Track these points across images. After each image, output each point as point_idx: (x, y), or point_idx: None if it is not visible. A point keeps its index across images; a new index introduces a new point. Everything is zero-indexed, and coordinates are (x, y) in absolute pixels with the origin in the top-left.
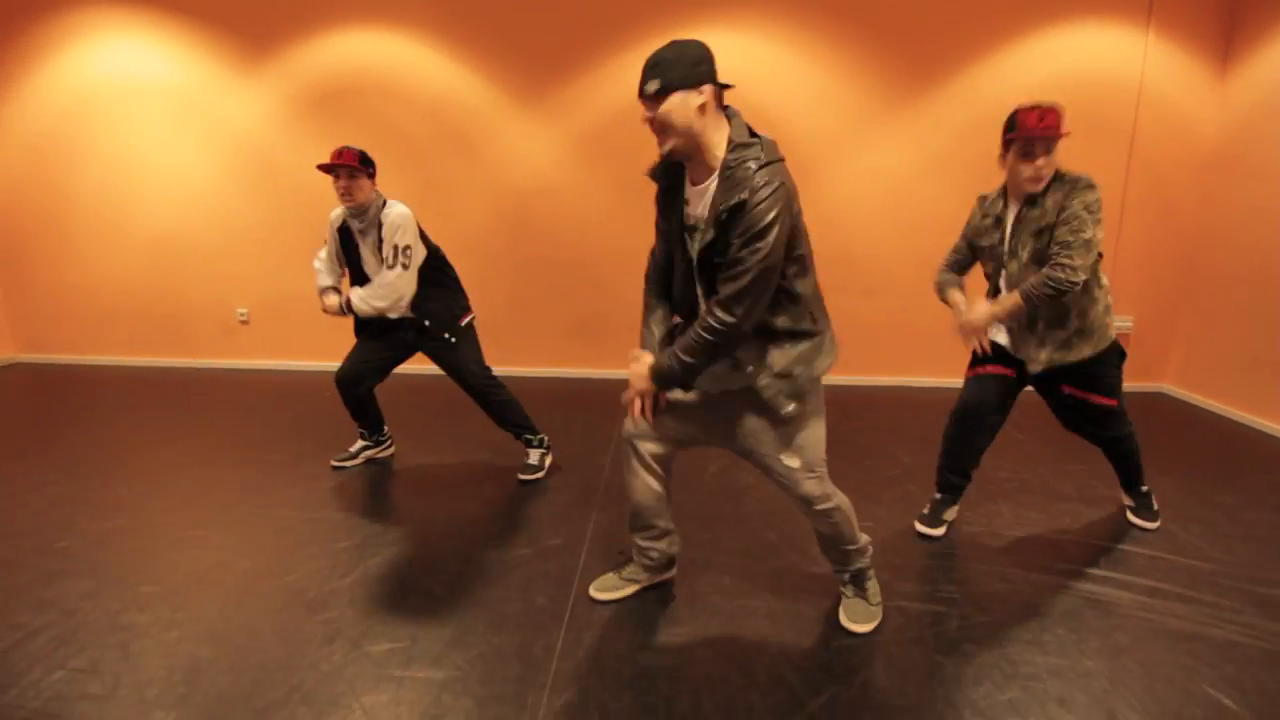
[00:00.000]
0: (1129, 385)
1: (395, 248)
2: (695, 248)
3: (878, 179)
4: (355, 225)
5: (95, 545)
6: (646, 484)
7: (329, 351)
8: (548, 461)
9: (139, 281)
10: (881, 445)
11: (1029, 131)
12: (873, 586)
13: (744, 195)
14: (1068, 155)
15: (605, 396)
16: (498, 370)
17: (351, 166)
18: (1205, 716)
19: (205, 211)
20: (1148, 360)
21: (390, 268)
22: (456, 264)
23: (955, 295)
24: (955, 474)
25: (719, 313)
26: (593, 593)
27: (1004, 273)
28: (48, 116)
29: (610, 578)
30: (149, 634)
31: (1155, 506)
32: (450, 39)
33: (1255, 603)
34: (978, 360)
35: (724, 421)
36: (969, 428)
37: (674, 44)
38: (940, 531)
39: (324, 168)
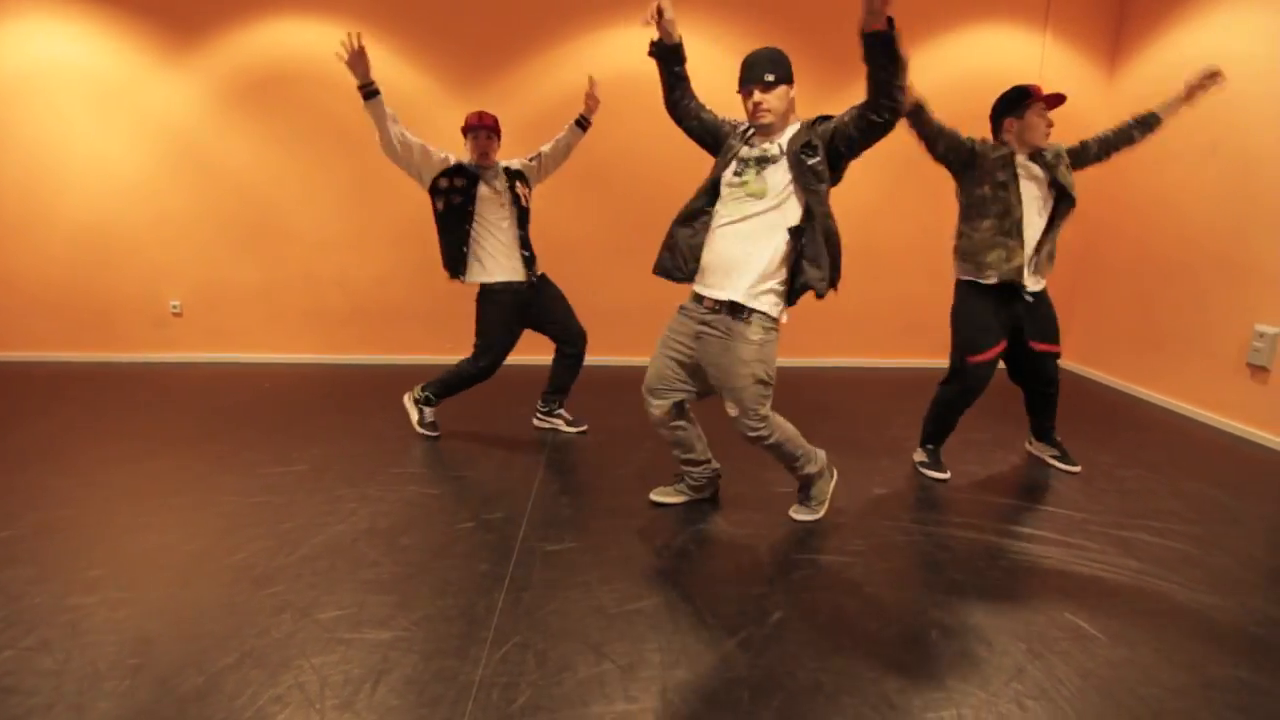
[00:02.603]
0: None
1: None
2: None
3: None
4: (486, 175)
5: (37, 535)
6: (674, 428)
7: (265, 343)
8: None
9: (64, 274)
10: (816, 422)
11: (1038, 92)
12: (817, 492)
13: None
14: None
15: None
16: (442, 359)
17: (490, 128)
18: (1065, 636)
19: (133, 201)
20: None
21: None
22: (395, 252)
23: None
24: (944, 435)
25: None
26: (652, 496)
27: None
28: None
29: (667, 489)
30: (97, 613)
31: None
32: (384, 28)
33: (1116, 544)
34: (985, 345)
35: (705, 363)
36: (969, 403)
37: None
38: (947, 475)
39: (466, 128)
